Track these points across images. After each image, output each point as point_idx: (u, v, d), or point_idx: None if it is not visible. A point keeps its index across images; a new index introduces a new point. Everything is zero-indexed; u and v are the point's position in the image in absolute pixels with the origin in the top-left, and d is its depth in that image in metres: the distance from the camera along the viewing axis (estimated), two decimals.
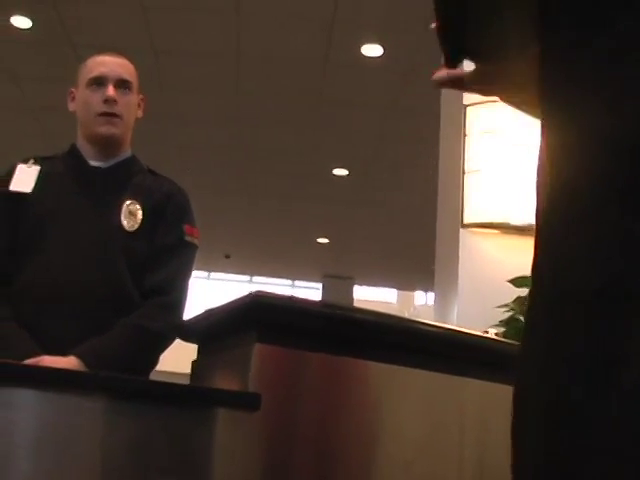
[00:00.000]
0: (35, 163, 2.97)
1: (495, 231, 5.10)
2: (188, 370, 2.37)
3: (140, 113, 3.07)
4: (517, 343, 0.86)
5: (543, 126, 0.84)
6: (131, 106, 2.99)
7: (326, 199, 12.41)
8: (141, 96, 3.06)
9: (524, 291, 4.14)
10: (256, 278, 18.68)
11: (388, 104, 8.79)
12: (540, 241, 0.80)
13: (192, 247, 2.95)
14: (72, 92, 3.07)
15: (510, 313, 4.48)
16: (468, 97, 5.18)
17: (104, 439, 1.83)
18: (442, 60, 1.07)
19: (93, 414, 1.81)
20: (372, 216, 13.08)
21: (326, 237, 14.82)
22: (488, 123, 5.11)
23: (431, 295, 16.97)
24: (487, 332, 3.78)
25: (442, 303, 5.64)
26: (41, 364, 2.46)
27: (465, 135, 5.23)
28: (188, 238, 2.93)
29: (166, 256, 2.86)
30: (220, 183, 11.19)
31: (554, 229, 0.77)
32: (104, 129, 2.93)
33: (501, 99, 1.09)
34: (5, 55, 8.35)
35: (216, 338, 2.10)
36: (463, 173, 5.20)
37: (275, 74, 8.39)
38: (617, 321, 0.65)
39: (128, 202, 2.88)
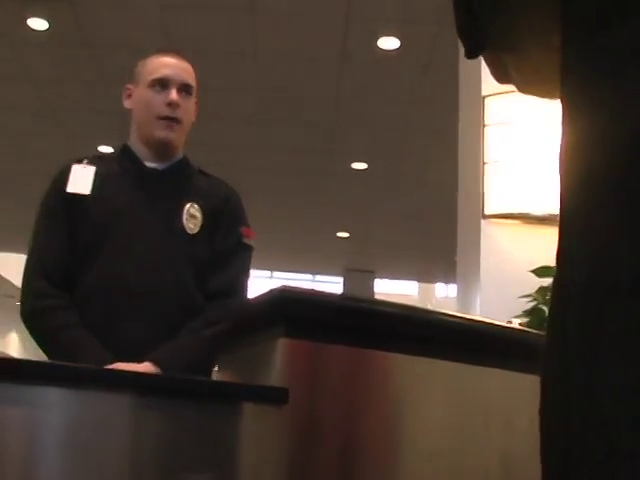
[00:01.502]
0: (89, 163, 2.95)
1: (516, 221, 5.10)
2: None
3: (194, 117, 3.07)
4: (541, 333, 0.87)
5: (564, 115, 0.85)
6: (190, 111, 3.00)
7: (345, 193, 12.40)
8: (195, 99, 3.05)
9: (547, 281, 4.13)
10: (276, 273, 18.70)
11: (406, 96, 8.78)
12: (565, 229, 0.80)
13: (250, 249, 3.01)
14: (129, 89, 3.04)
15: (533, 303, 4.47)
16: (486, 88, 5.17)
17: (132, 436, 1.84)
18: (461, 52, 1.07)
19: (121, 411, 1.82)
20: (392, 209, 13.06)
21: (346, 231, 14.81)
22: (507, 113, 5.10)
23: (452, 287, 16.95)
24: (510, 322, 3.79)
25: (464, 294, 5.64)
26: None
27: (484, 126, 5.22)
28: (246, 240, 2.98)
29: (226, 259, 2.89)
30: (239, 180, 11.20)
31: (580, 217, 0.78)
32: (163, 134, 2.92)
33: (520, 90, 1.10)
34: (22, 57, 8.38)
35: (243, 333, 2.11)
36: (483, 164, 5.19)
37: (292, 70, 8.39)
38: None
39: (188, 205, 2.89)
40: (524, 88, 1.08)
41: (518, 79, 1.05)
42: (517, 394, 2.13)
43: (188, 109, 2.98)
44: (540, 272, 4.38)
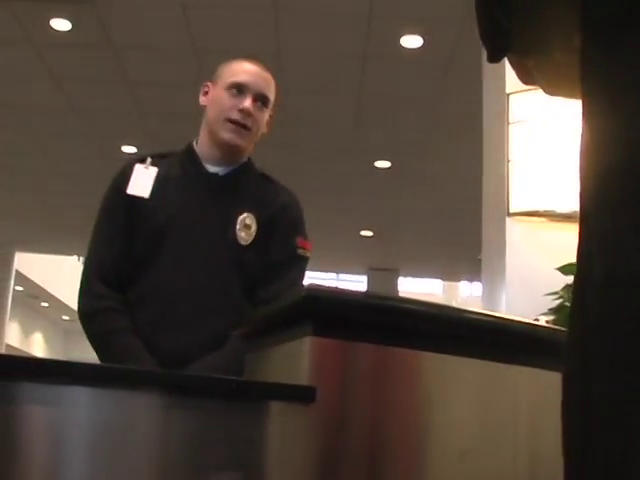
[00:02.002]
0: (152, 163, 2.95)
1: (542, 219, 5.08)
2: None
3: (267, 129, 3.06)
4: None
5: (585, 114, 0.85)
6: (262, 122, 2.99)
7: (369, 192, 12.41)
8: (271, 112, 3.04)
9: (573, 278, 4.11)
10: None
11: (429, 94, 8.77)
12: (586, 226, 0.80)
13: (304, 260, 2.98)
14: (207, 86, 3.05)
15: (559, 301, 4.46)
16: (510, 85, 5.16)
17: (160, 435, 1.84)
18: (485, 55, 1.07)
19: (148, 410, 1.82)
20: (415, 207, 13.06)
21: (370, 230, 14.82)
22: (531, 110, 5.09)
23: (476, 285, 16.95)
24: (538, 320, 3.77)
25: (490, 292, 5.63)
26: None
27: (509, 123, 5.21)
28: (301, 252, 2.97)
29: (279, 270, 2.88)
30: None
31: (601, 214, 0.78)
32: (229, 136, 2.93)
33: (544, 91, 1.10)
34: (45, 57, 8.42)
35: (270, 331, 2.11)
36: (508, 161, 5.18)
37: (315, 70, 8.40)
38: None
39: (244, 215, 2.89)
40: (548, 89, 1.08)
41: (542, 80, 1.06)
42: (545, 392, 2.12)
43: (260, 120, 2.98)
44: (566, 269, 4.36)
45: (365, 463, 1.93)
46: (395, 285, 17.45)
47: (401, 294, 17.54)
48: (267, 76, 3.06)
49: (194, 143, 3.05)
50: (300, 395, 1.83)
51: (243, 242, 2.87)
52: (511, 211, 5.13)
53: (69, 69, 8.70)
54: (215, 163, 2.98)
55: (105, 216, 2.96)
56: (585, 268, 0.79)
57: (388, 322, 1.94)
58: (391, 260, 16.83)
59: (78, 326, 2.92)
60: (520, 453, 2.14)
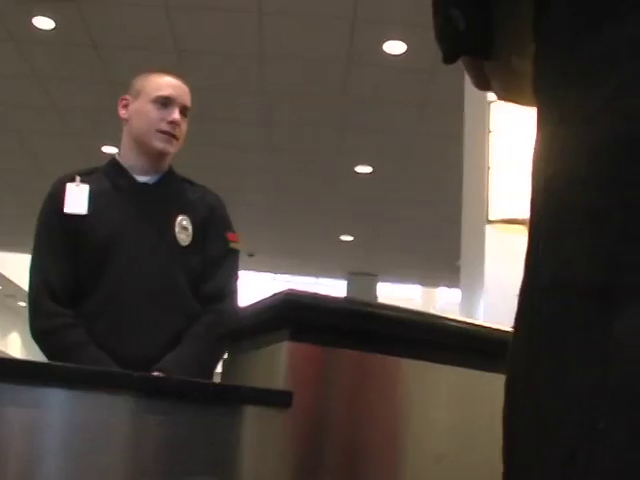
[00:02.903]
0: (81, 181, 3.04)
1: (520, 227, 5.09)
2: None
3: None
4: None
5: (538, 122, 0.86)
6: (185, 130, 3.13)
7: (350, 196, 12.41)
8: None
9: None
10: (280, 276, 18.74)
11: (411, 101, 8.79)
12: (534, 231, 0.81)
13: (236, 252, 3.15)
14: (126, 99, 3.16)
15: None
16: (492, 94, 5.17)
17: (135, 439, 1.84)
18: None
19: (124, 413, 1.82)
20: (396, 213, 13.07)
21: (350, 234, 14.82)
22: (512, 119, 5.10)
23: (455, 291, 16.97)
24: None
25: (468, 299, 5.64)
26: None
27: (489, 131, 5.22)
28: (232, 245, 3.12)
29: (216, 265, 3.04)
30: (244, 182, 11.23)
31: (546, 219, 0.79)
32: (162, 145, 3.05)
33: (499, 97, 1.10)
34: (28, 56, 8.39)
35: (247, 336, 2.11)
36: (488, 169, 5.19)
37: (298, 73, 8.41)
38: (609, 311, 0.66)
39: (180, 218, 3.03)
40: (503, 96, 1.09)
41: (497, 87, 1.06)
42: None
43: (184, 129, 3.14)
44: None
45: (341, 467, 1.94)
46: (374, 290, 17.45)
47: (380, 299, 17.57)
48: (186, 88, 3.20)
49: (117, 157, 3.18)
50: (277, 400, 1.83)
51: (183, 243, 3.01)
52: (490, 218, 5.14)
53: (51, 68, 8.66)
54: (143, 173, 3.11)
55: (45, 236, 3.04)
56: (532, 272, 0.80)
57: (365, 328, 1.95)
58: (371, 265, 16.83)
59: None
60: (495, 458, 2.14)
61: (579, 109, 0.76)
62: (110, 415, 1.79)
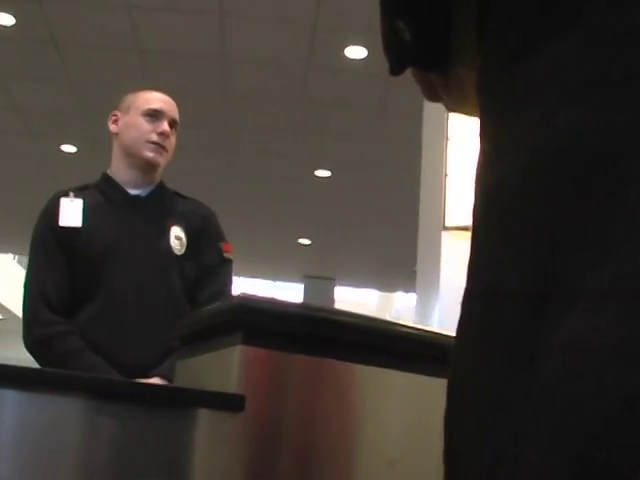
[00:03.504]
0: (75, 196, 3.11)
1: None
2: None
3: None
4: None
5: (480, 134, 0.88)
6: (174, 143, 3.22)
7: (308, 200, 12.42)
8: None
9: None
10: (236, 278, 18.68)
11: (371, 106, 8.82)
12: (473, 241, 0.83)
13: (230, 262, 3.25)
14: (115, 115, 3.25)
15: None
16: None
17: (86, 440, 1.84)
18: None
19: (76, 415, 1.82)
20: (354, 217, 13.09)
21: (308, 238, 14.83)
22: (470, 127, 5.14)
23: (412, 296, 17.02)
24: None
25: (423, 304, 5.67)
26: None
27: (447, 138, 5.26)
28: (226, 255, 3.22)
29: (211, 274, 3.12)
30: (202, 185, 11.20)
31: (482, 230, 0.81)
32: (152, 155, 3.13)
33: (447, 107, 1.11)
34: None
35: (201, 339, 2.11)
36: (445, 176, 5.23)
37: (259, 76, 8.40)
38: (538, 323, 0.68)
39: (173, 228, 3.12)
40: (451, 107, 1.09)
41: (446, 98, 1.07)
42: None
43: (172, 142, 3.22)
44: None
45: (293, 472, 1.94)
46: (331, 294, 17.47)
47: (337, 303, 17.58)
48: (174, 103, 3.28)
49: (108, 172, 3.25)
50: (229, 403, 1.84)
51: (178, 252, 3.09)
52: (447, 225, 5.18)
53: (11, 65, 8.60)
54: (134, 186, 3.19)
55: (40, 248, 3.10)
56: (470, 281, 0.82)
57: (318, 333, 1.96)
58: (328, 269, 16.85)
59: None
60: None
61: (516, 125, 0.78)
62: (62, 417, 1.79)
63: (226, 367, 1.90)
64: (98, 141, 10.23)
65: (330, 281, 17.44)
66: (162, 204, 3.22)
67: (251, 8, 7.19)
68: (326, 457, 1.99)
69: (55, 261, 3.02)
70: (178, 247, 3.10)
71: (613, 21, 0.70)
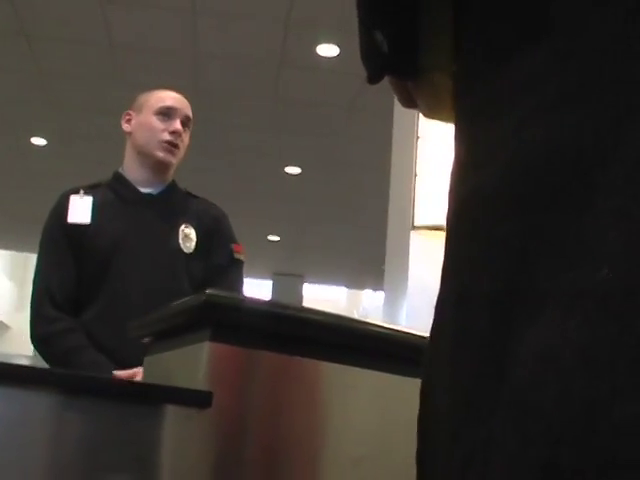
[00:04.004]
0: (85, 194, 3.12)
1: (445, 233, 5.14)
2: None
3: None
4: None
5: (454, 142, 0.89)
6: (187, 142, 3.25)
7: (278, 196, 12.42)
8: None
9: None
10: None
11: (343, 104, 8.83)
12: (447, 245, 0.85)
13: (241, 263, 3.26)
14: (129, 114, 3.26)
15: None
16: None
17: (54, 435, 1.84)
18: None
19: (44, 410, 1.82)
20: (323, 215, 13.11)
21: (277, 234, 14.83)
22: (440, 126, 5.15)
23: (380, 294, 17.05)
24: None
25: (391, 303, 5.68)
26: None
27: (418, 138, 5.27)
28: (237, 256, 3.24)
29: (222, 274, 3.14)
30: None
31: (457, 240, 0.82)
32: (163, 155, 3.15)
33: (424, 114, 1.13)
34: None
35: (169, 335, 2.12)
36: (415, 176, 5.24)
37: (231, 73, 8.40)
38: (505, 333, 0.70)
39: (183, 226, 3.14)
40: (427, 113, 1.10)
41: (422, 104, 1.08)
42: None
43: (186, 140, 3.25)
44: None
45: (260, 468, 1.95)
46: (300, 291, 17.48)
47: (305, 300, 17.59)
48: (187, 101, 3.31)
49: (120, 170, 3.26)
50: (196, 399, 1.84)
51: (187, 251, 3.11)
52: (416, 224, 5.19)
53: None
54: (146, 185, 3.21)
55: (49, 246, 3.12)
56: (444, 286, 0.84)
57: (286, 331, 1.97)
58: (297, 266, 16.86)
59: None
60: (412, 462, 2.17)
61: (489, 136, 0.79)
62: (30, 412, 1.79)
63: (194, 363, 1.91)
64: (68, 134, 10.20)
65: (299, 278, 17.46)
66: (173, 203, 3.24)
67: (224, 5, 7.18)
68: (292, 454, 2.00)
69: (63, 259, 3.04)
70: (188, 246, 3.12)
71: (588, 33, 0.71)
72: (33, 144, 10.76)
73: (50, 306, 2.98)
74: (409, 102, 1.09)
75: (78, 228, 3.05)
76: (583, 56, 0.70)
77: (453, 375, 0.77)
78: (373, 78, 1.05)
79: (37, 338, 3.02)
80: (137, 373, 2.77)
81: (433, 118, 1.11)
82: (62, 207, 3.10)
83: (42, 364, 2.90)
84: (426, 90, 1.05)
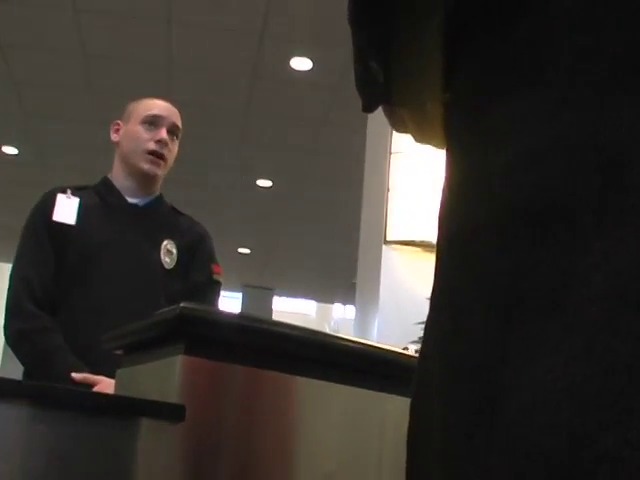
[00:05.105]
0: (72, 194, 3.08)
1: (417, 249, 5.17)
2: None
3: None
4: None
5: (445, 173, 0.90)
6: (174, 152, 3.21)
7: (249, 209, 12.42)
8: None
9: None
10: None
11: (316, 118, 8.84)
12: (437, 274, 0.86)
13: (219, 284, 3.23)
14: (118, 124, 3.23)
15: None
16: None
17: (25, 447, 1.83)
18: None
19: (14, 422, 1.81)
20: (294, 228, 13.12)
21: (247, 247, 14.82)
22: (413, 142, 5.17)
23: (350, 308, 17.07)
24: (407, 348, 3.84)
25: (363, 317, 5.69)
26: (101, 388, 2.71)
27: (390, 153, 5.29)
28: (216, 277, 3.20)
29: (198, 293, 3.08)
30: None
31: (450, 266, 0.84)
32: (148, 167, 3.12)
33: (416, 140, 1.14)
34: None
35: (142, 348, 2.11)
36: (387, 190, 5.26)
37: (203, 84, 8.40)
38: (500, 360, 0.71)
39: (166, 242, 3.11)
40: (420, 139, 1.12)
41: (414, 130, 1.09)
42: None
43: (173, 150, 3.22)
44: None
45: None
46: (270, 304, 17.48)
47: (275, 313, 17.59)
48: (175, 110, 3.29)
49: (109, 177, 3.23)
50: (169, 413, 1.84)
51: (167, 266, 3.08)
52: (388, 239, 5.21)
53: None
54: (132, 194, 3.18)
55: (31, 241, 3.07)
56: (433, 312, 0.86)
57: (260, 345, 1.97)
58: (267, 279, 16.85)
59: None
60: (384, 476, 2.18)
61: (479, 173, 0.80)
62: (1, 424, 1.78)
63: (167, 377, 1.90)
64: (40, 143, 10.16)
65: (269, 291, 17.45)
66: (158, 216, 3.22)
67: (198, 16, 7.18)
68: (264, 468, 2.00)
69: (44, 255, 2.99)
70: (168, 261, 3.09)
71: (576, 84, 0.72)
72: (4, 152, 10.71)
73: (30, 302, 2.93)
74: (402, 128, 1.11)
75: (62, 227, 3.01)
76: (574, 105, 0.72)
77: (446, 407, 0.78)
78: (368, 107, 1.06)
79: (14, 333, 2.95)
80: (96, 380, 2.75)
81: (424, 144, 1.12)
82: (47, 205, 3.06)
83: (9, 375, 2.86)
84: (419, 118, 1.06)
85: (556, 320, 0.66)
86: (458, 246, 0.81)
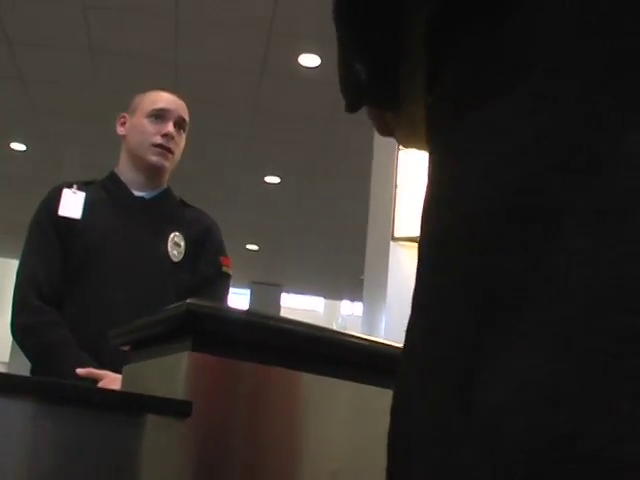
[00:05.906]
0: (78, 189, 3.09)
1: None
2: None
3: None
4: None
5: (427, 168, 0.90)
6: (182, 145, 3.21)
7: (257, 206, 12.42)
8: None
9: None
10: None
11: (324, 114, 8.84)
12: (418, 275, 0.87)
13: (228, 276, 3.21)
14: (124, 117, 3.22)
15: None
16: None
17: (32, 444, 1.83)
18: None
19: (22, 418, 1.81)
20: (302, 224, 13.11)
21: (255, 243, 14.83)
22: (400, 146, 5.17)
23: (358, 305, 17.07)
24: None
25: (370, 314, 5.69)
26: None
27: (398, 149, 5.28)
28: (225, 269, 3.19)
29: (207, 286, 3.09)
30: None
31: (431, 267, 0.84)
32: (156, 159, 3.12)
33: (400, 143, 1.14)
34: None
35: (149, 344, 2.11)
36: (395, 187, 5.25)
37: (212, 81, 8.40)
38: (476, 357, 0.71)
39: (173, 234, 3.10)
40: (405, 142, 1.12)
41: (399, 134, 1.09)
42: None
43: (180, 143, 3.22)
44: None
45: (238, 479, 1.94)
46: (278, 300, 17.49)
47: (283, 309, 17.59)
48: (182, 102, 3.29)
49: (115, 171, 3.23)
50: (176, 409, 1.84)
51: (175, 259, 3.08)
52: (396, 235, 5.20)
53: None
54: (139, 188, 3.18)
55: (37, 236, 3.08)
56: (414, 314, 0.86)
57: (267, 341, 1.96)
58: (275, 275, 16.86)
59: None
60: None
61: (460, 174, 0.80)
62: (7, 420, 1.78)
63: (174, 373, 1.90)
64: (48, 139, 10.16)
65: (277, 287, 17.46)
66: (165, 209, 3.22)
67: (206, 13, 7.18)
68: (271, 465, 2.00)
69: (50, 251, 2.99)
70: (176, 254, 3.08)
71: (557, 85, 0.72)
72: (13, 149, 10.72)
73: (36, 297, 2.93)
74: (386, 131, 1.11)
75: (68, 222, 3.01)
76: (554, 107, 0.72)
77: (422, 402, 0.78)
78: (351, 107, 1.06)
79: (21, 327, 2.96)
80: (101, 375, 2.74)
81: (410, 147, 1.12)
82: (54, 199, 3.06)
83: (16, 371, 2.87)
84: (403, 121, 1.06)
85: (533, 319, 0.67)
86: (436, 246, 0.82)
